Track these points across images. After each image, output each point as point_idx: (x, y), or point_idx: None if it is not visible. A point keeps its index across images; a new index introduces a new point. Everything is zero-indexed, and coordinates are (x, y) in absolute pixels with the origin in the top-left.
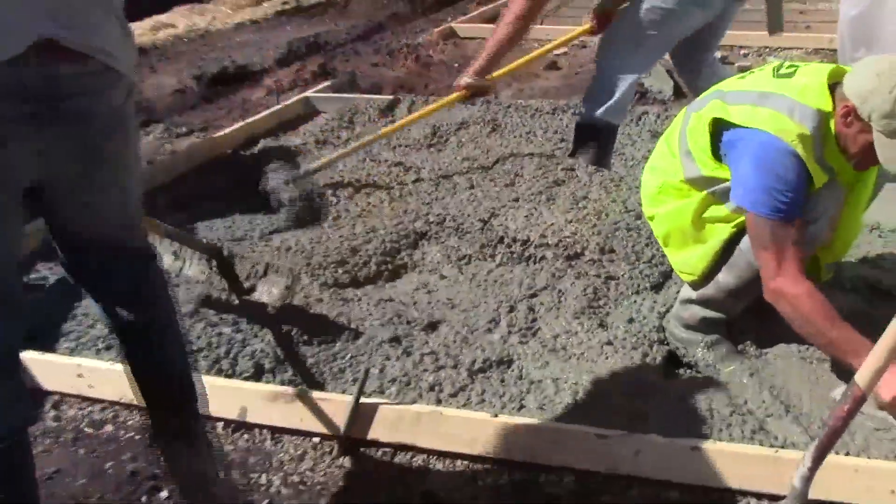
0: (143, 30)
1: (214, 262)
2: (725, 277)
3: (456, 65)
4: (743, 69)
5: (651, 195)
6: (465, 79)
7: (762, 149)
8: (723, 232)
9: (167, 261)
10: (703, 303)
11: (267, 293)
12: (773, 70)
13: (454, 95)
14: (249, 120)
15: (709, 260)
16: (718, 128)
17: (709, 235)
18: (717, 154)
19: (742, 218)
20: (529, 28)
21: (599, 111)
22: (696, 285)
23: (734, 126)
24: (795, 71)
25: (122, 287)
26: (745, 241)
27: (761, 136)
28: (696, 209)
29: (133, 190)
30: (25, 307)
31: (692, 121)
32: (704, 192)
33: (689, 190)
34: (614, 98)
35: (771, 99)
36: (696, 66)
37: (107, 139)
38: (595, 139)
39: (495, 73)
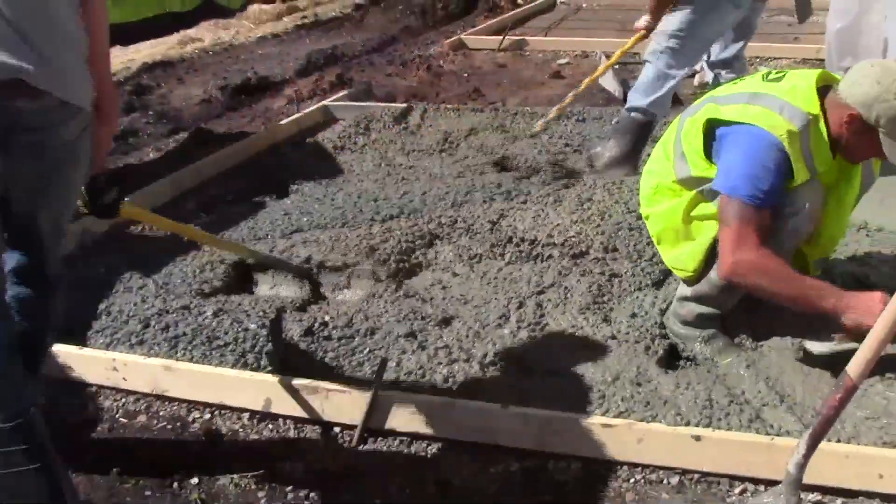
0: (171, 44)
1: (307, 282)
2: (717, 274)
3: (465, 74)
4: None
5: (647, 196)
6: (643, 21)
7: (752, 140)
8: (710, 229)
9: (264, 290)
10: (698, 299)
11: (353, 293)
12: (763, 76)
13: (637, 36)
14: (272, 127)
15: (699, 256)
16: (711, 127)
17: (697, 233)
18: (708, 154)
19: None
20: None
21: (646, 102)
22: (689, 281)
23: (727, 123)
24: (784, 76)
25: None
26: None
27: (753, 129)
28: (686, 208)
29: (69, 210)
30: (10, 310)
31: (686, 125)
32: (694, 192)
33: (680, 190)
34: (661, 92)
35: (762, 98)
36: (729, 60)
37: (57, 171)
38: (634, 130)
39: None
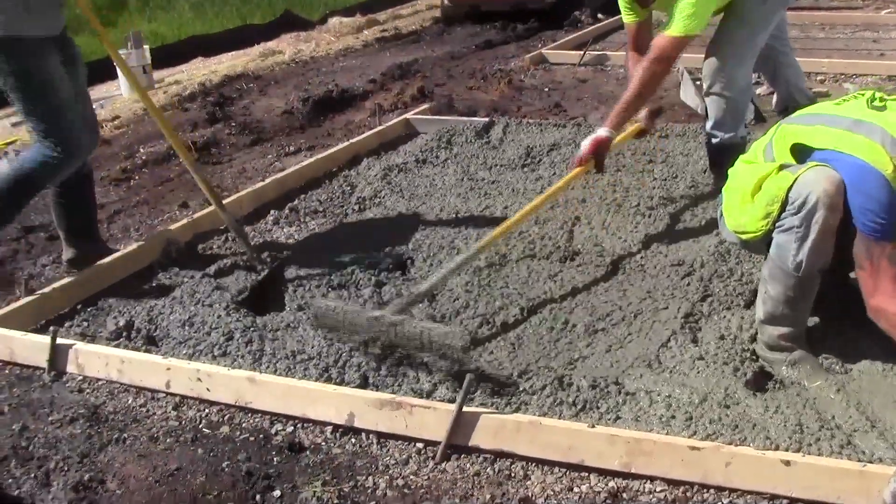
0: (252, 56)
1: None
2: (774, 288)
3: (546, 88)
4: (819, 94)
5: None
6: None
7: (860, 173)
8: (768, 193)
9: None
10: (771, 321)
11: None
12: (867, 101)
13: (581, 169)
14: (353, 140)
15: (759, 221)
16: (803, 149)
17: (759, 198)
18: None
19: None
20: None
21: (741, 131)
22: (753, 242)
23: (824, 150)
24: (887, 105)
25: None
26: (773, 249)
27: (858, 162)
28: (763, 176)
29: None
30: None
31: (779, 132)
32: (776, 164)
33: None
34: (742, 113)
35: (865, 126)
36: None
37: None
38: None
39: None
